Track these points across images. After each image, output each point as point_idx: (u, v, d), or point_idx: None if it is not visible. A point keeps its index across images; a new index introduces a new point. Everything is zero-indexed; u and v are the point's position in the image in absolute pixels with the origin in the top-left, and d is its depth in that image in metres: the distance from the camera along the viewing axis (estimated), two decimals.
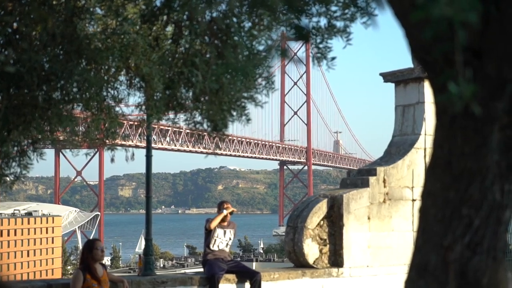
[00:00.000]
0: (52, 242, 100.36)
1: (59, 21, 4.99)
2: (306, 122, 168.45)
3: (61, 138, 5.72)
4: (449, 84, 2.12)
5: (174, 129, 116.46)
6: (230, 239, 10.18)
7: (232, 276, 9.87)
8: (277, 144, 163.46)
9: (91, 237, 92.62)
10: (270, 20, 4.79)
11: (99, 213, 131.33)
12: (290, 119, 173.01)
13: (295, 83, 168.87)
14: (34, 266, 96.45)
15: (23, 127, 5.23)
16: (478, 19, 2.00)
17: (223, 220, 10.08)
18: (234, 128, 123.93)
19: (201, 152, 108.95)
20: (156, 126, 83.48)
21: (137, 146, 68.59)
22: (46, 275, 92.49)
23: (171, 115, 5.73)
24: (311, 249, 10.36)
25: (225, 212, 10.08)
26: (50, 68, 5.10)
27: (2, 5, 4.90)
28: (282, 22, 4.67)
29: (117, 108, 5.65)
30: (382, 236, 10.64)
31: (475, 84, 2.22)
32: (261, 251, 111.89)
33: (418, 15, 2.00)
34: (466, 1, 1.95)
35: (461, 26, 2.00)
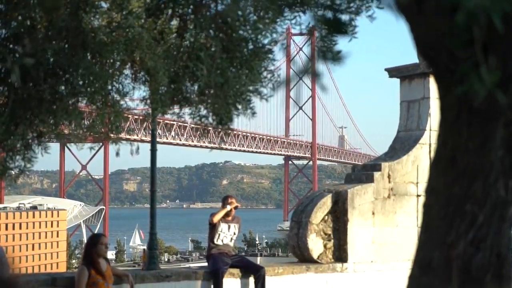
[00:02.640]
0: (57, 236, 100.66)
1: (65, 14, 4.99)
2: (311, 117, 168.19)
3: (65, 131, 5.72)
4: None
5: (179, 123, 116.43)
6: (234, 233, 10.17)
7: (236, 271, 9.88)
8: (282, 139, 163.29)
9: (95, 231, 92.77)
10: (275, 13, 4.78)
11: (104, 207, 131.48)
12: (295, 114, 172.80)
13: (301, 78, 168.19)
14: (39, 259, 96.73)
15: (30, 120, 5.23)
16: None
17: (227, 214, 10.08)
18: (239, 123, 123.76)
19: (206, 147, 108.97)
20: (161, 120, 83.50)
21: (142, 140, 68.61)
22: (51, 268, 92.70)
23: (176, 109, 5.72)
24: (316, 244, 10.36)
25: (228, 207, 10.07)
26: (55, 61, 5.10)
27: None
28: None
29: (122, 102, 5.64)
30: (386, 231, 10.63)
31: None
32: (259, 247, 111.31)
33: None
34: None
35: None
